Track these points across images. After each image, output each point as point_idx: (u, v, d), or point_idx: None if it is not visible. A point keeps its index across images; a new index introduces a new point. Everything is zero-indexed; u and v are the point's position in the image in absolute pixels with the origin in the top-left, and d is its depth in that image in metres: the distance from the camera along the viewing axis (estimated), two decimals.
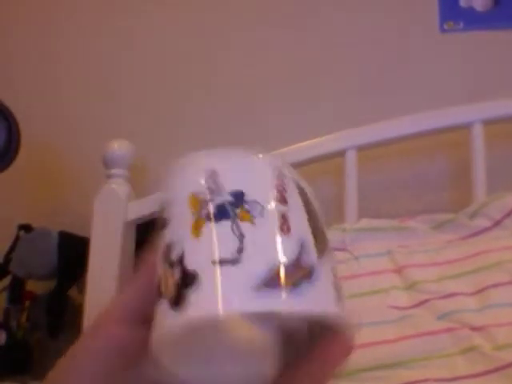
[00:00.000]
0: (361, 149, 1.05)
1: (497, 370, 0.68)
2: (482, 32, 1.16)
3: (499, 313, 0.76)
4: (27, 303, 1.18)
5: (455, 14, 1.18)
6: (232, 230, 0.33)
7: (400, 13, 1.20)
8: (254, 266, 0.32)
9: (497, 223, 0.92)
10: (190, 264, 0.32)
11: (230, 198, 0.34)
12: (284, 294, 0.31)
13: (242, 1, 1.28)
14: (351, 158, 1.04)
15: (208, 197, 0.34)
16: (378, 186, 1.14)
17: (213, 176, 0.35)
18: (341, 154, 1.05)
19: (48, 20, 1.37)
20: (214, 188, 0.35)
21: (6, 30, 1.38)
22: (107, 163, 1.08)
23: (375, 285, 0.85)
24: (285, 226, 0.34)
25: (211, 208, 0.34)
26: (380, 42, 1.20)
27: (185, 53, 1.29)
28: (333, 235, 0.96)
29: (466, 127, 1.03)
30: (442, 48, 1.18)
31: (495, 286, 0.80)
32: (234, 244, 0.33)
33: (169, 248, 0.33)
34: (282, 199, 0.35)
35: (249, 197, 0.34)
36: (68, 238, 1.16)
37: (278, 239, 0.33)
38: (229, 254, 0.32)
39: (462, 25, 1.17)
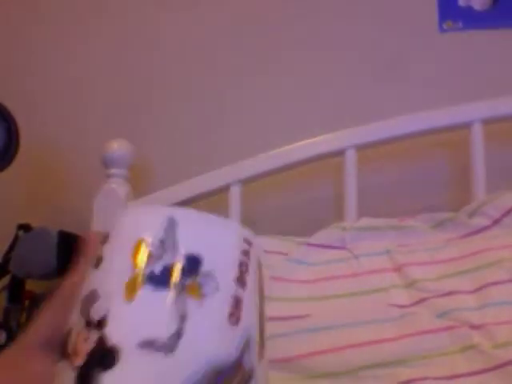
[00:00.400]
0: (360, 148, 1.05)
1: (496, 368, 0.68)
2: (480, 31, 1.17)
3: (498, 311, 0.76)
4: (27, 303, 1.18)
5: (454, 14, 1.18)
6: (174, 304, 0.26)
7: (399, 12, 1.20)
8: (190, 361, 0.25)
9: (496, 222, 0.92)
10: (112, 335, 0.25)
11: (183, 262, 0.27)
12: None
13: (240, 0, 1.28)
14: (350, 157, 1.04)
15: (158, 251, 0.27)
16: (377, 185, 1.14)
17: (172, 227, 0.28)
18: (340, 153, 1.05)
19: (47, 19, 1.37)
20: (169, 242, 0.27)
21: (6, 29, 1.38)
22: (107, 163, 1.08)
23: (375, 283, 0.85)
24: (235, 316, 0.27)
25: (157, 268, 0.27)
26: (379, 41, 1.20)
27: (184, 53, 1.29)
28: (332, 234, 0.96)
29: (466, 126, 1.03)
30: (441, 47, 1.18)
31: (494, 284, 0.80)
32: (172, 324, 0.26)
33: (91, 297, 0.27)
34: (242, 281, 0.28)
35: (206, 267, 0.27)
36: (67, 237, 1.16)
37: (224, 330, 0.27)
38: (163, 336, 0.25)
39: (460, 24, 1.18)
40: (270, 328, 0.81)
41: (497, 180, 1.01)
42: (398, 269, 0.87)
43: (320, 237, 0.96)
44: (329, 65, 1.22)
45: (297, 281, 0.87)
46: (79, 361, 0.25)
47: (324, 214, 1.12)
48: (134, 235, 0.28)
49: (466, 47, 1.17)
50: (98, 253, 0.28)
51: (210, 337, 0.26)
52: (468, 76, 1.16)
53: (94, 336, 0.25)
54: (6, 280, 1.18)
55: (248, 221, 1.17)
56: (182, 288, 0.26)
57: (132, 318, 0.26)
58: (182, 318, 0.26)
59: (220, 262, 0.28)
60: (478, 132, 1.01)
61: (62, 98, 1.34)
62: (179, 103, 1.28)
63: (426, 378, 0.69)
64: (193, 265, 0.27)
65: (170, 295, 0.26)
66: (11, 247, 1.17)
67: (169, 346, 0.25)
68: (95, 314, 0.26)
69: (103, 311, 0.26)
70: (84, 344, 0.25)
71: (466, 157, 1.03)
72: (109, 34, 1.33)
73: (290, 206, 1.19)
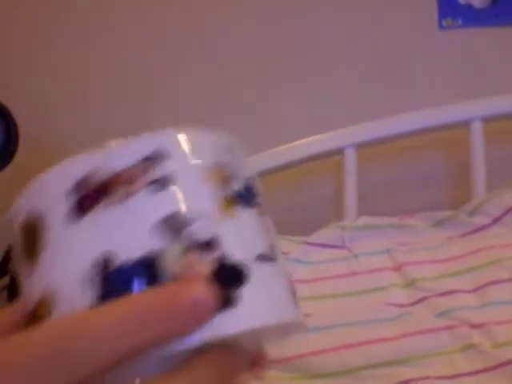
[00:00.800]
0: (360, 146, 1.05)
1: (496, 367, 0.68)
2: (480, 29, 1.16)
3: (499, 310, 0.76)
4: None
5: (454, 11, 1.17)
6: (259, 219, 0.28)
7: (399, 10, 1.20)
8: (284, 266, 0.28)
9: (496, 220, 0.92)
10: (232, 253, 0.25)
11: (250, 183, 0.29)
12: (297, 304, 0.29)
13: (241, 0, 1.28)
14: (350, 155, 1.04)
15: (233, 172, 0.28)
16: (377, 184, 1.14)
17: (233, 150, 0.29)
18: (340, 151, 1.05)
19: (47, 18, 1.36)
20: (237, 167, 0.29)
21: (6, 29, 1.38)
22: None
23: (374, 282, 0.85)
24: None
25: (239, 188, 0.28)
26: (379, 39, 1.20)
27: (183, 52, 1.29)
28: (332, 233, 0.96)
29: (465, 124, 1.02)
30: (440, 45, 1.18)
31: (495, 283, 0.80)
32: (266, 238, 0.28)
33: (179, 219, 0.25)
34: None
35: (256, 185, 0.29)
36: None
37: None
38: (267, 249, 0.27)
39: (460, 22, 1.17)
40: None
41: (497, 178, 1.01)
42: (398, 268, 0.87)
43: (319, 236, 0.96)
44: (328, 63, 1.22)
45: (296, 280, 0.87)
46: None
47: (323, 212, 1.12)
48: (205, 157, 0.28)
49: (465, 45, 1.17)
50: (146, 174, 0.26)
51: (280, 246, 0.29)
52: (467, 74, 1.16)
53: (209, 257, 0.25)
54: (6, 280, 1.18)
55: None
56: (258, 206, 0.28)
57: (240, 235, 0.26)
58: (268, 231, 0.28)
59: (255, 178, 0.30)
60: (477, 130, 1.01)
61: (62, 97, 1.33)
62: (179, 103, 1.28)
63: (426, 378, 0.69)
64: (254, 185, 0.29)
65: (256, 212, 0.28)
66: (11, 246, 1.16)
67: (273, 256, 0.27)
68: (199, 236, 0.25)
69: (209, 232, 0.25)
70: (200, 266, 0.25)
71: (466, 155, 1.02)
72: (109, 34, 1.33)
73: (289, 204, 1.19)
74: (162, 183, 0.26)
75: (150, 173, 0.26)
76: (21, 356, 0.23)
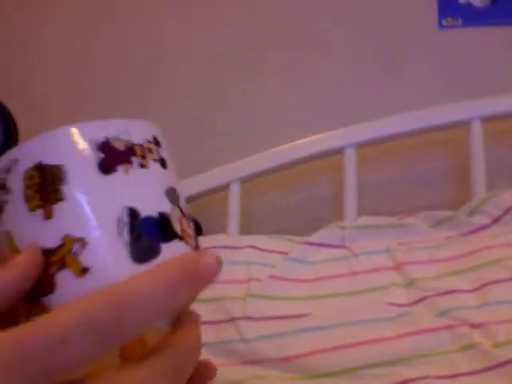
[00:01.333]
0: (359, 146, 1.05)
1: (496, 367, 0.68)
2: (480, 28, 1.16)
3: (499, 310, 0.76)
4: None
5: (454, 11, 1.18)
6: None
7: (399, 10, 1.20)
8: None
9: (496, 220, 0.92)
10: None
11: None
12: None
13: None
14: (350, 155, 1.04)
15: None
16: (376, 184, 1.14)
17: None
18: (339, 151, 1.05)
19: (47, 16, 1.36)
20: None
21: (7, 29, 1.38)
22: None
23: (374, 282, 0.85)
24: None
25: None
26: (378, 38, 1.20)
27: (181, 51, 1.29)
28: (332, 232, 0.96)
29: (465, 124, 1.02)
30: (440, 44, 1.18)
31: (495, 282, 0.80)
32: None
33: (174, 193, 0.32)
34: None
35: None
36: None
37: None
38: None
39: (460, 21, 1.17)
40: (271, 327, 0.81)
41: (496, 178, 1.01)
42: (398, 267, 0.87)
43: (319, 235, 0.96)
44: (328, 62, 1.22)
45: (296, 280, 0.87)
46: (194, 243, 0.32)
47: (323, 212, 1.12)
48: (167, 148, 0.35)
49: (465, 44, 1.17)
50: (153, 152, 0.33)
51: None
52: (467, 73, 1.16)
53: (191, 224, 0.33)
54: None
55: (247, 219, 1.17)
56: None
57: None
58: None
59: None
60: (477, 129, 1.01)
61: (62, 97, 1.33)
62: (179, 103, 1.28)
63: (426, 377, 0.69)
64: None
65: None
66: None
67: None
68: (185, 208, 0.32)
69: (184, 207, 0.32)
70: (190, 230, 0.32)
71: (466, 154, 1.02)
72: (110, 35, 1.33)
73: (290, 204, 1.19)
74: (162, 163, 0.33)
75: (154, 153, 0.33)
76: (84, 317, 0.26)
